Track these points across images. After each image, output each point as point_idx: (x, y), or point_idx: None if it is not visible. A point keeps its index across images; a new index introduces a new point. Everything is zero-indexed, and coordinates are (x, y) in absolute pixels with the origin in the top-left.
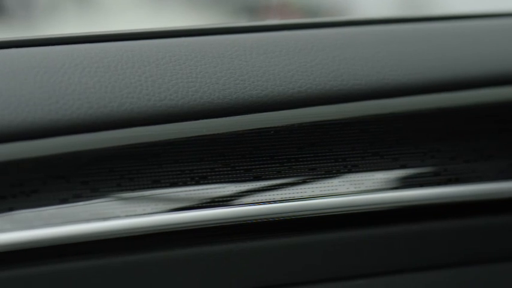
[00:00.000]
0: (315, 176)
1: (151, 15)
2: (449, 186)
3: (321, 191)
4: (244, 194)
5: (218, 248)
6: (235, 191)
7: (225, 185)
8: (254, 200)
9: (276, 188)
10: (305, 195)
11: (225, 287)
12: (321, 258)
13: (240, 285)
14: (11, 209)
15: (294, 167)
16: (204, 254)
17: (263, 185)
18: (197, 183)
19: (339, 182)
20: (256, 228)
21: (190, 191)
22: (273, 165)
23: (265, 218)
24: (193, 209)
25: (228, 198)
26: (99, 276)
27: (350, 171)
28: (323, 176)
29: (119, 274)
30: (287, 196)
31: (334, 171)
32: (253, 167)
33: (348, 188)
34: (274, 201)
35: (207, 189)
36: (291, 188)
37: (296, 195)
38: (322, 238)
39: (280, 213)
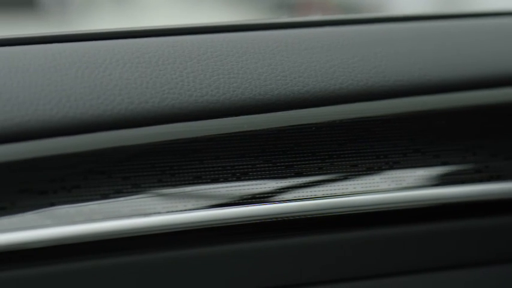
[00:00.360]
0: (356, 173)
1: (189, 11)
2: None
3: (362, 187)
4: (285, 190)
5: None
6: (276, 188)
7: (266, 181)
8: (295, 197)
9: (317, 185)
10: (346, 191)
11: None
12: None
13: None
14: (52, 204)
15: (335, 163)
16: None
17: (304, 181)
18: (238, 179)
19: (381, 178)
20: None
21: (231, 187)
22: (314, 161)
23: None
24: (234, 205)
25: (269, 195)
26: (141, 272)
27: (391, 168)
28: (364, 172)
29: (161, 269)
30: (328, 193)
31: (375, 168)
32: (295, 163)
33: (389, 185)
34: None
35: (248, 185)
36: (332, 185)
37: (337, 192)
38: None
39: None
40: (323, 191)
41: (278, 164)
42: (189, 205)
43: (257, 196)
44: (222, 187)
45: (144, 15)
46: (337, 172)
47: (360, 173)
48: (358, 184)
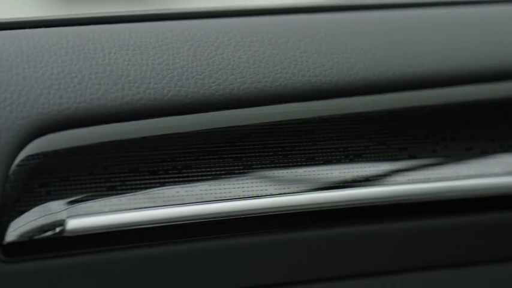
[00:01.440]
0: (470, 156)
1: None
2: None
3: (476, 171)
4: (399, 172)
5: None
6: (390, 170)
7: (379, 163)
8: (408, 180)
9: (431, 167)
10: (460, 175)
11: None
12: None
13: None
14: (162, 185)
15: (449, 146)
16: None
17: (418, 164)
18: (351, 161)
19: (495, 162)
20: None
21: (343, 169)
22: (428, 144)
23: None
24: (346, 187)
25: (383, 177)
26: (258, 253)
27: (506, 152)
28: (479, 156)
29: (273, 250)
30: (442, 176)
31: (489, 152)
32: (408, 145)
33: (503, 169)
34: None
35: (360, 167)
36: (447, 168)
37: (451, 175)
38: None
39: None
40: (437, 174)
41: (392, 146)
42: (302, 187)
43: (370, 178)
44: (334, 169)
45: None
46: (451, 155)
47: (474, 156)
48: (472, 167)
